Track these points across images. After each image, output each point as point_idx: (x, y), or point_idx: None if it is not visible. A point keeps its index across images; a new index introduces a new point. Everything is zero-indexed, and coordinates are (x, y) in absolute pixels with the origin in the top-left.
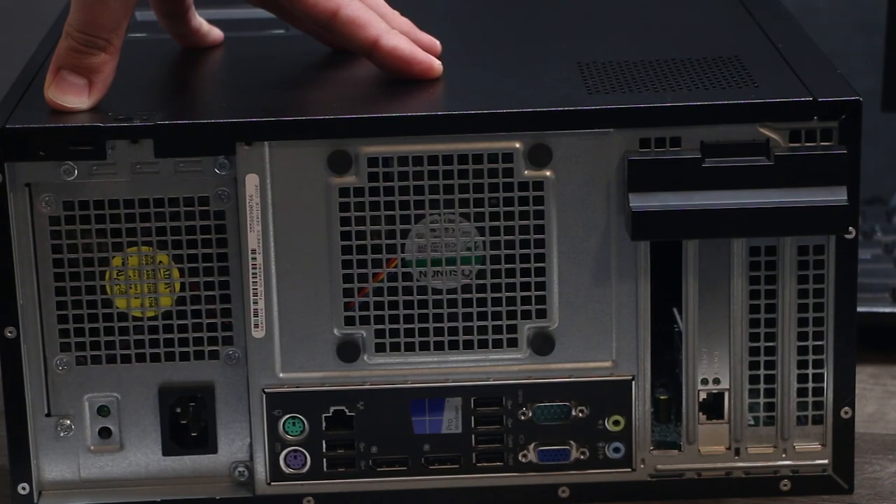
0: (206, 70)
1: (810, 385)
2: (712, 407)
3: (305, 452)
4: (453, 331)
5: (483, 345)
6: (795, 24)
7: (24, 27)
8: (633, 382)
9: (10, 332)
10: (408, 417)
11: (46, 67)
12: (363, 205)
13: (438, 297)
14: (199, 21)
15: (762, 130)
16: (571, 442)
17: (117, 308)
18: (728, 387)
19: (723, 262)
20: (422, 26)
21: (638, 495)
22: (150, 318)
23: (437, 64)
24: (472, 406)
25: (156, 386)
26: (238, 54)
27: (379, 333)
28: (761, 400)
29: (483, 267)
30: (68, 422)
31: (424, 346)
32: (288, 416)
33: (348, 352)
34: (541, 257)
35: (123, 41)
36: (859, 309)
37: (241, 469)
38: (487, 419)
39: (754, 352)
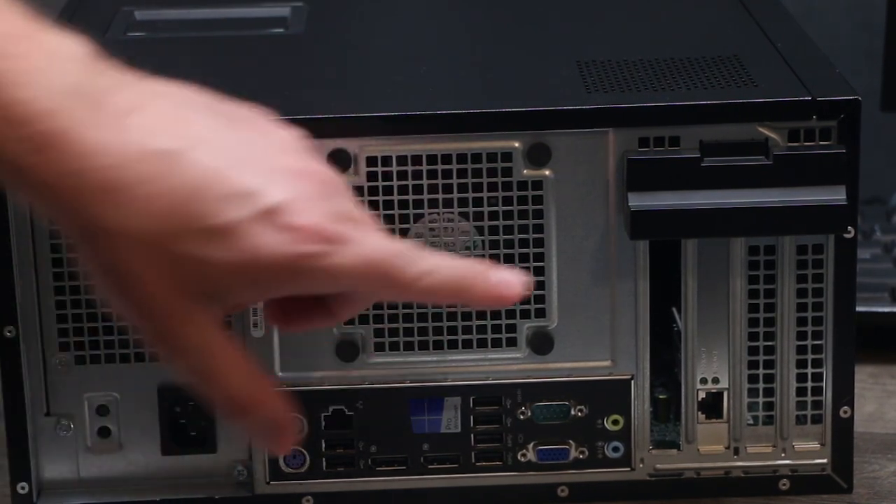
0: (205, 69)
1: (809, 384)
2: (711, 406)
3: (304, 452)
4: (452, 330)
5: (482, 344)
6: (795, 23)
7: None
8: (633, 382)
9: (10, 332)
10: (407, 417)
11: None
12: (362, 204)
13: None
14: None
15: (761, 130)
16: (570, 441)
17: None
18: (727, 386)
19: (722, 262)
20: (421, 25)
21: (637, 495)
22: None
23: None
24: (472, 405)
25: (155, 385)
26: (238, 53)
27: (378, 332)
28: (760, 399)
29: None
30: (68, 421)
31: (423, 346)
32: None
33: (347, 351)
34: (540, 257)
35: (125, 41)
36: (858, 308)
37: (240, 468)
38: (486, 418)
39: (753, 351)
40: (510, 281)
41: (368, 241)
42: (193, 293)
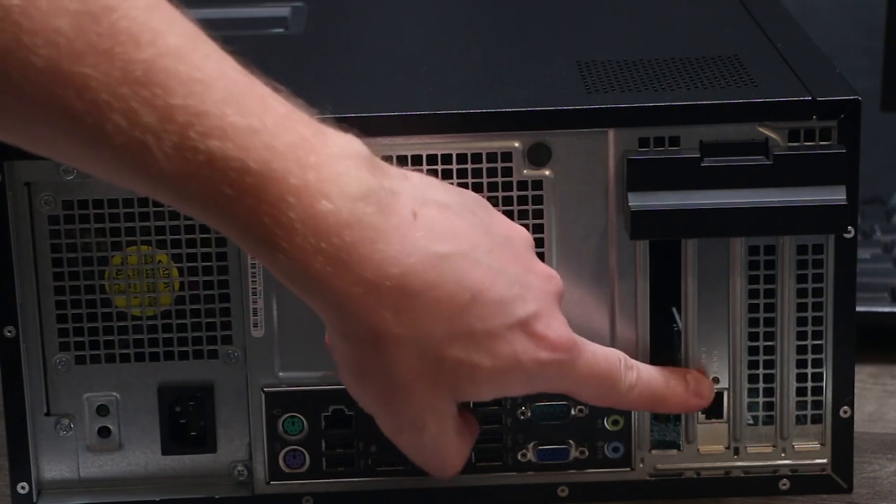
0: None
1: (809, 384)
2: (711, 406)
3: (304, 452)
4: None
5: None
6: (795, 23)
7: None
8: None
9: (10, 332)
10: None
11: None
12: None
13: None
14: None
15: (761, 130)
16: (570, 441)
17: (117, 307)
18: (727, 386)
19: (722, 262)
20: (421, 25)
21: (637, 495)
22: (149, 318)
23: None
24: (471, 405)
25: (155, 385)
26: (238, 53)
27: None
28: (760, 399)
29: None
30: (67, 421)
31: None
32: (287, 415)
33: None
34: (540, 256)
35: None
36: (858, 308)
37: (240, 468)
38: (486, 418)
39: (753, 351)
40: (702, 393)
41: (596, 352)
42: (448, 390)
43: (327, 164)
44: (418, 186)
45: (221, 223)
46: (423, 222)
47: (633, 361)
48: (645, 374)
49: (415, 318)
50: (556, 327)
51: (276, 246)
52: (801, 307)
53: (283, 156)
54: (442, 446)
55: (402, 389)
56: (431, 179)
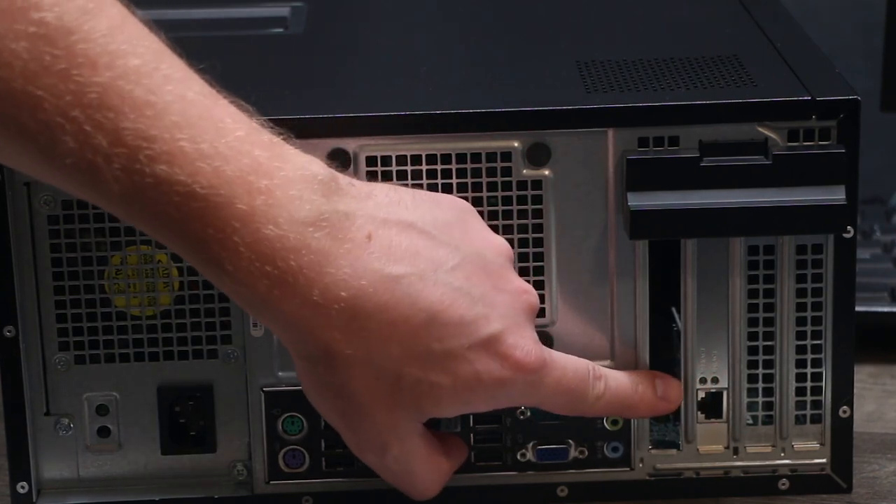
0: (205, 69)
1: (809, 384)
2: (711, 406)
3: (304, 451)
4: None
5: None
6: (794, 23)
7: None
8: None
9: (9, 332)
10: None
11: None
12: None
13: None
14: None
15: (760, 129)
16: (570, 441)
17: (116, 307)
18: (727, 386)
19: (721, 262)
20: (421, 26)
21: (636, 494)
22: (148, 317)
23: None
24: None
25: (155, 385)
26: (238, 53)
27: None
28: (760, 399)
29: None
30: (67, 420)
31: None
32: (287, 414)
33: None
34: (539, 256)
35: None
36: (858, 308)
37: (239, 468)
38: (486, 418)
39: (753, 351)
40: (670, 397)
41: (566, 366)
42: (408, 409)
43: (280, 188)
44: (381, 205)
45: (169, 242)
46: (379, 244)
47: (602, 370)
48: (613, 383)
49: (368, 340)
50: (524, 346)
51: (221, 268)
52: (801, 307)
53: (232, 181)
54: (407, 467)
55: (360, 409)
56: (402, 194)
